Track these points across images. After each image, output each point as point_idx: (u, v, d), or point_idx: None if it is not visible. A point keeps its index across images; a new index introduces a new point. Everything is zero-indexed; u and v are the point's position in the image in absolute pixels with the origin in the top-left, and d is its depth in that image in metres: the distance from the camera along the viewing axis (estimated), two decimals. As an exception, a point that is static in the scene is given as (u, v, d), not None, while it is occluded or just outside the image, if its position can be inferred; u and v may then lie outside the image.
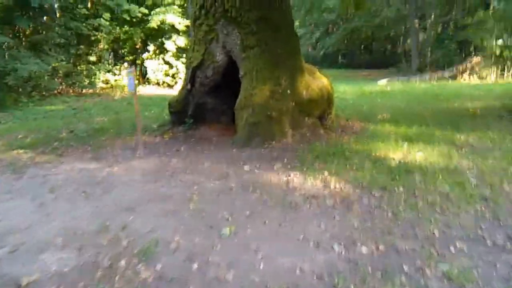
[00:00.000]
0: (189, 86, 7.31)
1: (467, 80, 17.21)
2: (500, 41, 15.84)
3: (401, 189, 4.22)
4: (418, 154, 5.27)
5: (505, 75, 16.78)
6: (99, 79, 17.09)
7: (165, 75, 18.11)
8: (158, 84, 18.41)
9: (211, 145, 6.56)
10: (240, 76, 6.45)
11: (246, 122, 6.08)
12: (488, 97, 11.11)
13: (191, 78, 7.16)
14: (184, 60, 17.63)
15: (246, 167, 5.14)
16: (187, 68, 7.39)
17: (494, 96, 11.40)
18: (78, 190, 4.58)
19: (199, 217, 3.73)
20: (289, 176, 4.73)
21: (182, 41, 17.27)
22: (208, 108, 7.54)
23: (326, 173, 4.71)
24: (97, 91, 16.85)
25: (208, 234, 3.37)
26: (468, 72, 17.45)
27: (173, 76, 18.09)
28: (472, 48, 21.23)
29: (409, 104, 10.12)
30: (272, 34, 6.35)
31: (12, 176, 5.25)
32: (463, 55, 21.28)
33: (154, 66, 17.78)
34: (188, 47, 7.47)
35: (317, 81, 6.65)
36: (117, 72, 18.09)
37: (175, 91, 18.53)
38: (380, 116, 7.88)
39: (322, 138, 6.21)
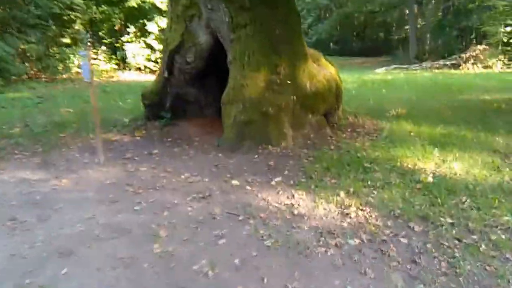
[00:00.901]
0: (166, 74, 6.03)
1: (470, 69, 16.16)
2: (508, 28, 14.78)
3: (448, 220, 3.07)
4: (456, 165, 4.12)
5: (512, 64, 15.79)
6: (73, 63, 15.52)
7: (147, 60, 16.62)
8: (139, 69, 16.93)
9: (191, 147, 5.33)
10: (228, 62, 5.19)
11: (235, 120, 4.85)
12: (505, 88, 10.00)
13: (169, 64, 5.88)
14: (167, 44, 16.23)
15: (235, 182, 3.93)
16: (163, 51, 6.10)
17: (510, 88, 10.30)
18: (5, 216, 3.32)
19: (166, 269, 2.53)
20: (293, 197, 3.54)
21: (165, 22, 15.77)
22: (190, 100, 6.28)
23: (342, 193, 3.52)
24: (72, 76, 15.33)
25: (177, 306, 2.19)
26: (472, 61, 16.39)
27: (155, 61, 16.60)
28: (473, 36, 20.18)
29: (420, 96, 8.97)
30: (268, 10, 5.06)
31: None
32: (464, 43, 20.22)
33: (134, 50, 16.27)
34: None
35: (323, 70, 5.42)
36: (94, 56, 16.53)
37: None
38: (393, 112, 6.72)
39: (330, 141, 5.02)
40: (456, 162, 4.22)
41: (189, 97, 6.24)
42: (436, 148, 4.63)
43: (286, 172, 4.11)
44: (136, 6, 15.15)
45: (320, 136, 5.08)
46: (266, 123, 4.78)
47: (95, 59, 16.64)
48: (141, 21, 16.07)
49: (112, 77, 15.79)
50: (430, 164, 4.22)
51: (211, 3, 5.14)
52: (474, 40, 19.84)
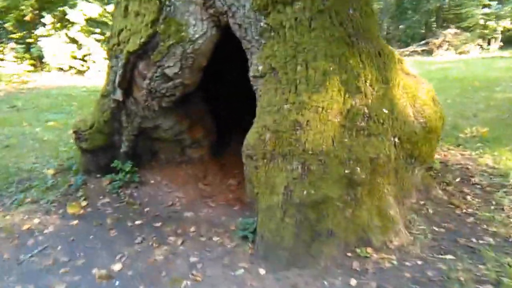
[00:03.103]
0: (119, 95, 3.29)
1: (445, 55, 14.85)
2: (486, 10, 13.59)
3: None
4: None
5: (491, 49, 14.67)
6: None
7: (72, 58, 13.07)
8: (62, 70, 13.32)
9: (189, 243, 2.72)
10: (253, 75, 2.62)
11: (288, 198, 2.32)
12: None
13: (124, 78, 3.15)
14: (99, 36, 12.83)
15: None
16: (110, 55, 3.32)
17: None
18: None
19: None
20: None
21: (93, 9, 12.37)
22: (163, 136, 3.62)
23: None
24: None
25: None
26: (446, 47, 15.08)
27: (83, 59, 13.12)
28: (433, 19, 19.08)
29: (451, 97, 6.98)
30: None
31: None
32: (425, 29, 19.06)
33: (54, 45, 12.65)
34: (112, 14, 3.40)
35: (417, 81, 3.06)
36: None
37: (88, 79, 13.63)
38: (469, 131, 4.59)
39: (467, 220, 2.68)
40: None
41: (163, 133, 3.57)
42: None
43: None
44: (51, -12, 11.63)
45: (438, 207, 2.73)
46: (355, 199, 2.33)
47: (1, 59, 12.83)
48: (60, 8, 12.50)
49: (26, 82, 12.11)
50: None
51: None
52: (435, 24, 18.75)
